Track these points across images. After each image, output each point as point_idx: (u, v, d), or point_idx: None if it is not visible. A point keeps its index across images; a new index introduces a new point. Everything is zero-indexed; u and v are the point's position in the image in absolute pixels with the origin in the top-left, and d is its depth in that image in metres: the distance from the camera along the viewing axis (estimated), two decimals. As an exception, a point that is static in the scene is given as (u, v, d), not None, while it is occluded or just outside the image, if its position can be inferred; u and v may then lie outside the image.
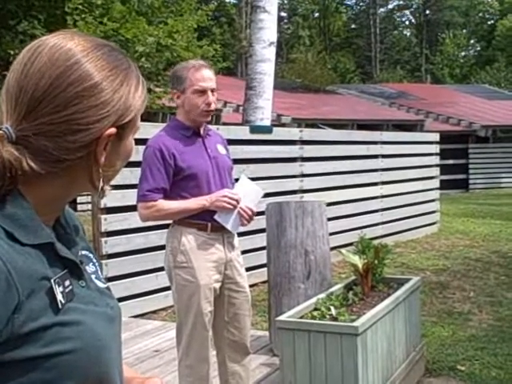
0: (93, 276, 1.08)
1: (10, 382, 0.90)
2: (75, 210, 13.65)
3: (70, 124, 0.96)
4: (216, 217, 3.02)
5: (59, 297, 0.94)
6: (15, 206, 0.95)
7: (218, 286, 3.09)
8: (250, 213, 3.10)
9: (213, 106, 3.07)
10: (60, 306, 0.94)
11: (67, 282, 0.97)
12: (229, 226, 3.05)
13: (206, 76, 3.03)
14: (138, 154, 5.55)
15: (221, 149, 3.21)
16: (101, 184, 1.02)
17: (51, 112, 0.95)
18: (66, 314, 0.94)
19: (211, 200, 3.01)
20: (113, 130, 0.99)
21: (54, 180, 0.99)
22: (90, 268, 1.09)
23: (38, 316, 0.91)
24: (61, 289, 0.95)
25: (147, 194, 3.00)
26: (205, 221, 3.03)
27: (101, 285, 1.09)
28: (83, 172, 1.00)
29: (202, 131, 3.14)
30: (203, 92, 3.02)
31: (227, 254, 3.11)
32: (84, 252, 1.10)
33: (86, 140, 0.97)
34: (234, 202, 3.02)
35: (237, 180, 3.24)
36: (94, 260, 1.12)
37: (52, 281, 0.94)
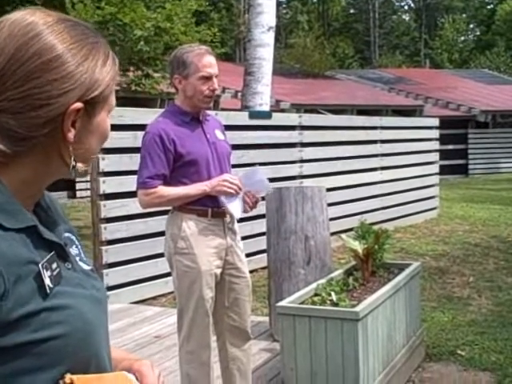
0: (77, 258, 1.06)
1: (1, 368, 0.89)
2: (74, 196, 13.63)
3: (31, 99, 0.93)
4: (222, 198, 3.00)
5: (47, 281, 0.93)
6: None
7: (218, 271, 3.08)
8: (254, 199, 3.10)
9: (216, 91, 3.07)
10: (48, 290, 0.93)
11: (54, 265, 0.95)
12: (232, 209, 3.04)
13: (212, 62, 3.04)
14: (136, 139, 5.50)
15: (219, 134, 3.19)
16: (72, 162, 0.99)
17: (11, 88, 0.92)
18: (54, 299, 0.93)
19: (212, 185, 2.99)
20: (79, 105, 0.96)
21: (25, 160, 0.96)
22: (73, 250, 1.07)
23: (26, 301, 0.90)
24: (48, 273, 0.93)
25: (147, 181, 2.98)
26: (205, 207, 3.02)
27: (86, 267, 1.07)
28: (53, 150, 0.98)
29: (200, 117, 3.12)
30: (208, 78, 3.01)
31: (228, 240, 3.10)
32: (67, 234, 1.08)
33: (50, 115, 0.94)
34: (235, 187, 3.00)
35: (237, 166, 3.22)
36: (77, 242, 1.10)
37: (40, 265, 0.93)
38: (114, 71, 1.02)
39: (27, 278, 0.91)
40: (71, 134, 0.96)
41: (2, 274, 0.88)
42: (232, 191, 3.00)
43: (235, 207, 3.04)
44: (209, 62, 3.01)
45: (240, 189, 3.03)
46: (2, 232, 0.90)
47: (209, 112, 3.25)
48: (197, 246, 3.00)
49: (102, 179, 5.53)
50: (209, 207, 3.02)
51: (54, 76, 0.93)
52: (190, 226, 3.02)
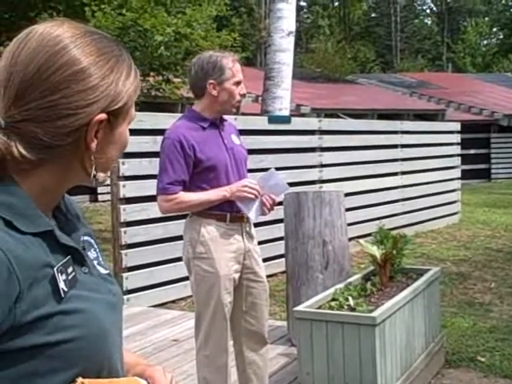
0: (95, 262, 1.08)
1: (14, 369, 0.91)
2: (96, 200, 13.74)
3: (58, 109, 0.96)
4: (238, 203, 3.02)
5: (61, 285, 0.94)
6: (11, 195, 0.95)
7: (237, 276, 3.09)
8: (271, 201, 3.11)
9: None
10: (63, 294, 0.94)
11: (70, 269, 0.97)
12: (250, 214, 3.06)
13: (240, 68, 3.13)
14: (156, 144, 5.54)
15: (235, 139, 3.22)
16: (93, 171, 1.02)
17: (39, 97, 0.95)
18: (68, 302, 0.95)
19: (231, 190, 3.01)
20: (103, 116, 0.99)
21: (47, 167, 0.99)
22: (91, 254, 1.09)
23: (41, 304, 0.92)
24: (63, 277, 0.95)
25: (168, 187, 2.99)
26: (224, 211, 3.04)
27: (103, 271, 1.09)
28: (75, 159, 1.00)
29: (218, 122, 3.14)
30: (239, 83, 3.09)
31: (246, 244, 3.11)
32: (86, 238, 1.10)
33: (75, 125, 0.97)
34: (255, 192, 3.03)
35: (256, 170, 3.25)
36: (96, 246, 1.12)
37: (55, 270, 0.94)
38: (136, 83, 1.06)
39: (43, 281, 0.92)
40: (94, 144, 0.99)
41: (18, 277, 0.89)
42: (252, 196, 3.02)
43: (252, 211, 3.06)
44: (239, 68, 3.11)
45: (259, 193, 3.05)
46: (20, 236, 0.92)
47: (225, 117, 3.27)
48: (215, 250, 3.01)
49: (122, 183, 5.58)
50: (227, 212, 3.04)
51: (80, 87, 0.96)
52: (208, 230, 3.03)
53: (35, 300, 0.91)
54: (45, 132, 0.95)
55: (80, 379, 0.95)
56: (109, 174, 1.09)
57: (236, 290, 3.12)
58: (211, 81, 3.04)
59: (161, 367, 1.15)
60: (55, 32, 0.98)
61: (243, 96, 3.12)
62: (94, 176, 1.02)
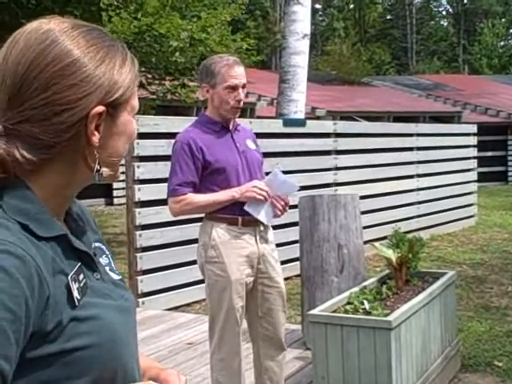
0: (107, 268, 1.07)
1: (29, 378, 0.90)
2: (112, 203, 13.82)
3: (52, 105, 0.94)
4: (246, 207, 3.01)
5: (75, 293, 0.93)
6: (23, 199, 0.94)
7: (250, 280, 3.08)
8: (282, 202, 3.08)
9: (242, 103, 3.08)
10: (77, 302, 0.93)
11: (81, 276, 0.96)
12: (260, 217, 3.03)
13: (239, 73, 3.05)
14: (171, 148, 5.54)
15: (250, 144, 3.21)
16: (96, 166, 1.00)
17: (32, 96, 0.94)
18: (82, 309, 0.94)
19: (241, 191, 3.00)
20: (101, 108, 0.96)
21: (53, 167, 0.97)
22: (103, 260, 1.08)
23: (59, 312, 0.91)
24: (76, 285, 0.94)
25: (177, 188, 3.01)
26: (235, 215, 3.03)
27: (115, 277, 1.08)
28: (78, 156, 0.98)
29: (230, 126, 3.14)
30: (234, 88, 3.03)
31: (260, 249, 3.09)
32: (97, 244, 1.09)
33: (72, 120, 0.95)
34: (265, 193, 3.01)
35: (267, 174, 3.23)
36: (107, 252, 1.11)
37: (69, 278, 0.93)
38: (133, 72, 1.02)
39: (60, 288, 0.92)
40: (96, 138, 0.97)
41: (47, 282, 0.89)
42: (261, 197, 3.01)
43: (263, 215, 3.04)
44: (235, 73, 3.02)
45: (269, 195, 3.04)
46: (36, 241, 0.91)
47: (240, 121, 3.27)
48: (227, 254, 3.01)
49: (137, 187, 5.60)
50: (239, 215, 3.03)
51: (72, 81, 0.94)
52: (220, 234, 3.02)
53: (56, 307, 0.90)
54: (43, 131, 0.93)
55: None
56: (117, 171, 1.05)
57: (250, 295, 3.11)
58: (204, 84, 3.09)
59: (175, 370, 1.14)
60: (43, 28, 0.96)
61: (238, 102, 3.04)
62: (98, 171, 1.00)
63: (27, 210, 0.94)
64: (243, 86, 3.06)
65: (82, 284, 0.95)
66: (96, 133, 0.97)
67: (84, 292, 0.95)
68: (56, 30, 0.97)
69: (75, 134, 0.96)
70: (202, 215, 3.17)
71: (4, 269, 0.84)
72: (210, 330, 3.13)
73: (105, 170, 1.02)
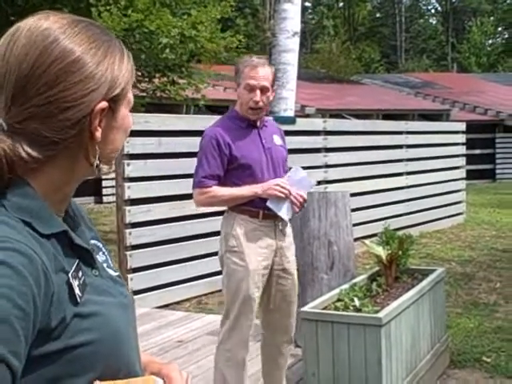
0: (104, 265, 1.07)
1: (31, 377, 0.89)
2: (101, 201, 13.76)
3: (58, 103, 0.94)
4: (268, 203, 3.09)
5: (77, 290, 0.94)
6: (25, 197, 0.94)
7: (266, 272, 3.16)
8: (301, 199, 3.15)
9: (260, 105, 3.12)
10: (78, 299, 0.93)
11: (80, 273, 0.96)
12: (281, 213, 3.11)
13: (261, 74, 3.12)
14: (161, 145, 5.54)
15: (277, 139, 3.30)
16: (96, 161, 1.00)
17: (37, 94, 0.94)
18: (83, 306, 0.94)
19: (264, 188, 3.09)
20: (104, 104, 0.97)
21: (56, 163, 0.97)
22: (100, 257, 1.08)
23: (62, 308, 0.91)
24: (77, 282, 0.94)
25: (203, 181, 3.10)
26: (257, 208, 3.11)
27: (112, 273, 1.08)
28: (80, 152, 0.99)
29: (258, 122, 3.21)
30: (252, 89, 3.10)
31: (278, 242, 3.18)
32: (93, 241, 1.10)
33: (77, 116, 0.95)
34: (286, 192, 3.09)
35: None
36: (104, 249, 1.12)
37: (70, 275, 0.94)
38: (130, 66, 1.04)
39: (62, 285, 0.92)
40: (99, 133, 0.98)
41: (52, 279, 0.89)
42: (282, 195, 3.09)
43: (284, 211, 3.12)
44: (256, 73, 3.10)
45: (290, 193, 3.10)
46: (39, 238, 0.92)
47: (267, 118, 3.34)
48: (247, 245, 3.10)
49: (127, 185, 5.58)
50: (260, 209, 3.11)
51: (76, 78, 0.95)
52: (241, 225, 3.12)
53: (59, 304, 0.90)
54: (48, 128, 0.94)
55: (97, 382, 0.94)
56: (113, 168, 1.07)
57: (265, 287, 3.19)
58: (236, 82, 3.20)
59: (176, 365, 1.14)
60: (43, 25, 0.96)
61: (255, 103, 3.10)
62: (97, 166, 1.01)
63: (29, 207, 0.94)
64: (262, 89, 3.11)
65: (81, 281, 0.96)
66: (99, 128, 0.98)
67: (83, 289, 0.95)
68: (57, 27, 0.97)
69: (79, 131, 0.97)
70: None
71: (12, 266, 0.84)
72: (223, 319, 3.19)
73: (103, 166, 1.03)
